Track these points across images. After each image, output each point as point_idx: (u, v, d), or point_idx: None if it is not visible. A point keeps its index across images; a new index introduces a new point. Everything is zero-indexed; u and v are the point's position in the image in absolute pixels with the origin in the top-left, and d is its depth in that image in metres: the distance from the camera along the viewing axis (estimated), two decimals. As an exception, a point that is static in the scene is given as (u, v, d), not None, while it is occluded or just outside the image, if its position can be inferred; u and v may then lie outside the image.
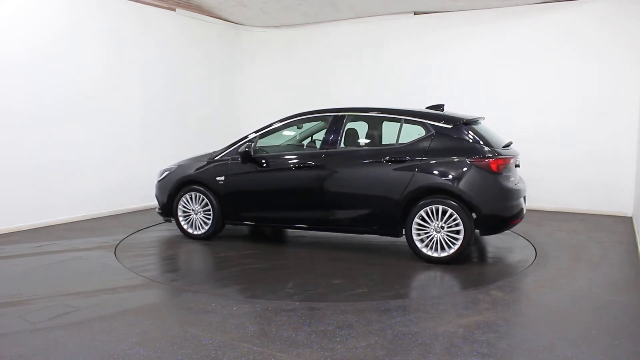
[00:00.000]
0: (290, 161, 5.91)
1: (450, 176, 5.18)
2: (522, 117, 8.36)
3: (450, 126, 5.37)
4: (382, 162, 5.44)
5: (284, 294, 4.39)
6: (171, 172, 6.49)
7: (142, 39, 8.28)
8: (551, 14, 8.16)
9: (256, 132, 6.19)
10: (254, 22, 10.02)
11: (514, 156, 5.52)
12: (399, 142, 5.53)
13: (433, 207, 5.20)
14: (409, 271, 5.12)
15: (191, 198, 6.31)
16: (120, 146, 7.98)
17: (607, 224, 7.27)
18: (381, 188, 5.41)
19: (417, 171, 5.28)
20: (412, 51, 9.19)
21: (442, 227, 5.18)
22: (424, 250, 5.27)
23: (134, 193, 8.15)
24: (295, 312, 3.95)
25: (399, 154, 5.40)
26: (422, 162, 5.28)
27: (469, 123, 5.48)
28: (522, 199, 5.51)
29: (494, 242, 6.22)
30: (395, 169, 5.37)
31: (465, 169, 5.15)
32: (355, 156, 5.68)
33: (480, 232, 5.35)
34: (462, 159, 5.18)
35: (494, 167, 5.13)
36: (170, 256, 5.85)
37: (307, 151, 6.22)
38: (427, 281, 4.96)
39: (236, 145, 6.18)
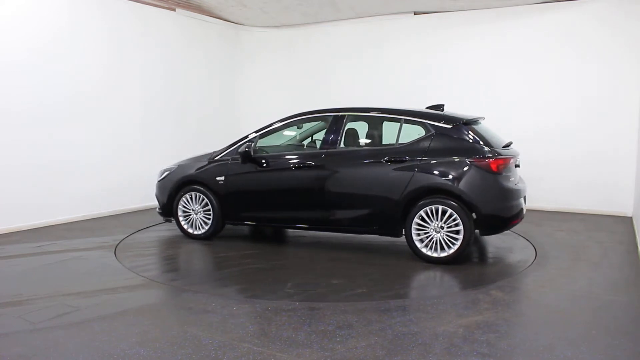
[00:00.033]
0: (290, 161, 5.91)
1: (450, 176, 5.18)
2: (522, 117, 8.36)
3: (450, 126, 5.37)
4: (381, 162, 5.44)
5: (283, 294, 4.39)
6: (171, 172, 6.49)
7: (142, 39, 8.28)
8: (551, 14, 8.16)
9: (256, 131, 6.19)
10: (254, 22, 10.02)
11: (514, 156, 5.52)
12: (399, 142, 5.53)
13: (433, 207, 5.20)
14: (409, 271, 5.12)
15: (191, 198, 6.31)
16: (120, 146, 7.98)
17: (607, 224, 7.27)
18: (381, 188, 5.41)
19: (416, 171, 5.28)
20: (412, 51, 9.19)
21: (442, 227, 5.18)
22: (424, 250, 5.27)
23: (134, 193, 8.15)
24: (295, 312, 3.95)
25: (399, 154, 5.40)
26: (421, 162, 5.28)
27: (469, 123, 5.48)
28: (522, 199, 5.51)
29: (494, 242, 6.22)
30: (395, 169, 5.37)
31: (465, 169, 5.15)
32: (355, 156, 5.68)
33: (480, 232, 5.35)
34: (462, 159, 5.18)
35: (493, 167, 5.13)
36: (170, 256, 5.85)
37: (306, 151, 6.22)
38: (427, 281, 4.96)
39: (236, 145, 6.18)
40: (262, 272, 5.09)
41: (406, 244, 5.42)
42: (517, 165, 5.66)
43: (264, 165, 5.97)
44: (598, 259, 5.54)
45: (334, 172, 5.62)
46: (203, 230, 6.29)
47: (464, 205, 5.13)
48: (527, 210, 5.94)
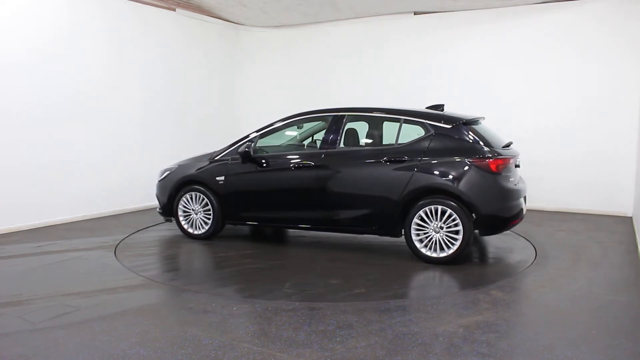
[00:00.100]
0: (289, 161, 5.91)
1: (450, 176, 5.18)
2: (522, 117, 8.36)
3: (449, 126, 5.37)
4: (381, 162, 5.44)
5: (282, 293, 4.39)
6: (172, 172, 6.50)
7: (142, 39, 8.28)
8: (551, 14, 8.16)
9: (257, 131, 6.20)
10: (254, 22, 10.02)
11: (514, 156, 5.52)
12: (399, 142, 5.53)
13: (432, 207, 5.20)
14: (409, 271, 5.12)
15: (191, 198, 6.31)
16: (120, 146, 7.98)
17: (607, 224, 7.27)
18: (380, 188, 5.41)
19: (416, 171, 5.28)
20: (412, 51, 9.19)
21: (441, 228, 5.18)
22: (423, 250, 5.27)
23: (134, 193, 8.15)
24: (295, 312, 3.95)
25: (398, 154, 5.40)
26: (421, 162, 5.28)
27: (469, 123, 5.48)
28: (522, 199, 5.50)
29: (494, 242, 6.22)
30: (394, 169, 5.36)
31: (464, 169, 5.15)
32: (355, 156, 5.68)
33: (479, 232, 5.35)
34: (461, 159, 5.18)
35: (493, 167, 5.13)
36: (170, 256, 5.85)
37: (306, 151, 6.22)
38: (426, 281, 4.96)
39: (236, 145, 6.19)
40: (261, 272, 5.09)
41: (406, 244, 5.42)
42: (517, 166, 5.65)
43: (264, 165, 5.97)
44: (598, 259, 5.54)
45: (334, 172, 5.62)
46: (203, 230, 6.29)
47: (464, 205, 5.13)
48: (527, 210, 5.94)
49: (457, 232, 5.13)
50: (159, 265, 5.45)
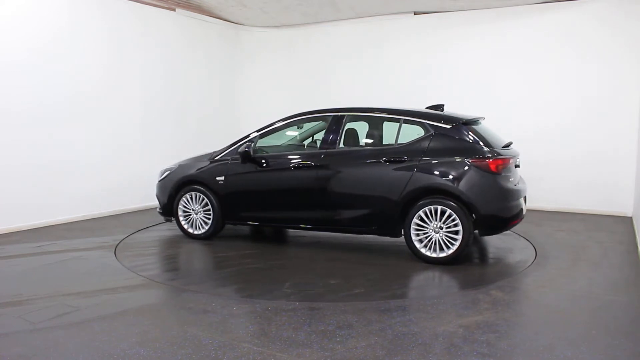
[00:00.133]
0: (289, 161, 5.91)
1: (449, 176, 5.17)
2: (522, 117, 8.36)
3: (449, 126, 5.37)
4: (381, 162, 5.44)
5: (281, 293, 4.39)
6: (172, 172, 6.50)
7: (142, 39, 8.28)
8: (551, 14, 8.16)
9: (257, 131, 6.20)
10: (254, 22, 10.02)
11: (514, 156, 5.51)
12: (398, 142, 5.53)
13: (432, 207, 5.20)
14: (409, 271, 5.12)
15: (191, 198, 6.31)
16: (120, 146, 7.98)
17: (607, 224, 7.27)
18: (380, 188, 5.41)
19: (415, 171, 5.27)
20: (412, 51, 9.19)
21: (441, 228, 5.18)
22: (423, 250, 5.27)
23: (134, 193, 8.15)
24: (295, 312, 3.95)
25: (398, 154, 5.40)
26: (420, 162, 5.28)
27: (468, 123, 5.48)
28: (522, 200, 5.50)
29: (494, 243, 6.22)
30: (394, 169, 5.36)
31: (464, 169, 5.15)
32: (354, 156, 5.68)
33: (479, 232, 5.35)
34: (461, 159, 5.18)
35: (492, 167, 5.13)
36: (170, 256, 5.85)
37: (306, 151, 6.23)
38: (426, 281, 4.96)
39: (236, 145, 6.19)
40: (261, 272, 5.09)
41: (405, 244, 5.42)
42: (517, 166, 5.65)
43: (264, 165, 5.97)
44: (598, 259, 5.54)
45: (333, 172, 5.62)
46: (203, 230, 6.29)
47: (463, 205, 5.12)
48: (527, 210, 5.94)
49: (456, 233, 5.12)
50: (159, 265, 5.45)
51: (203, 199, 6.23)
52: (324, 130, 5.94)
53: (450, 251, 5.15)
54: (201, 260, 5.77)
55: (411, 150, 5.37)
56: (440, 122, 5.41)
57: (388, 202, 5.36)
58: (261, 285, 4.65)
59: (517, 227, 6.23)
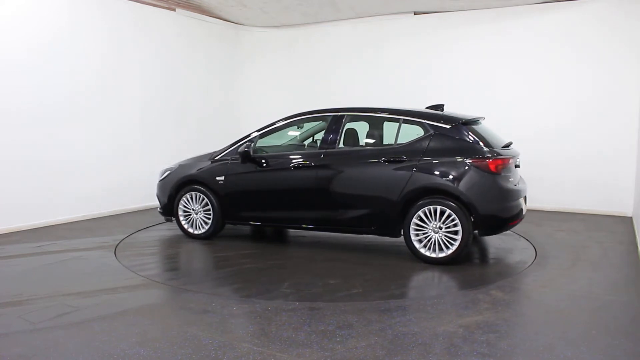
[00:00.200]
0: (289, 161, 5.91)
1: (449, 176, 5.17)
2: (522, 117, 8.36)
3: (449, 126, 5.37)
4: (380, 162, 5.44)
5: (281, 293, 4.39)
6: (172, 172, 6.50)
7: (142, 39, 8.28)
8: (551, 14, 8.16)
9: (257, 131, 6.20)
10: (254, 22, 10.02)
11: (514, 156, 5.51)
12: (398, 142, 5.53)
13: (431, 207, 5.20)
14: (408, 271, 5.12)
15: (192, 198, 6.31)
16: (120, 146, 7.98)
17: (607, 224, 7.27)
18: (379, 188, 5.40)
19: (415, 171, 5.27)
20: (412, 51, 9.19)
21: (440, 228, 5.18)
22: (422, 250, 5.27)
23: (134, 193, 8.15)
24: (295, 312, 3.96)
25: (397, 154, 5.40)
26: (420, 162, 5.28)
27: (468, 123, 5.48)
28: (521, 200, 5.50)
29: (494, 243, 6.22)
30: (393, 169, 5.36)
31: (463, 169, 5.15)
32: (354, 156, 5.68)
33: (479, 232, 5.34)
34: (461, 159, 5.18)
35: (492, 167, 5.13)
36: (170, 256, 5.85)
37: (305, 151, 6.23)
38: (426, 281, 4.96)
39: (237, 145, 6.19)
40: (261, 272, 5.08)
41: (405, 244, 5.41)
42: (517, 166, 5.65)
43: (264, 165, 5.97)
44: (598, 259, 5.54)
45: (333, 172, 5.62)
46: (203, 230, 6.29)
47: (463, 205, 5.12)
48: (527, 210, 5.94)
49: (456, 233, 5.12)
50: (159, 265, 5.45)
51: (203, 199, 6.24)
52: (324, 130, 5.94)
53: (450, 251, 5.15)
54: (201, 260, 5.77)
55: (411, 150, 5.37)
56: (439, 122, 5.41)
57: (387, 202, 5.36)
58: (261, 285, 4.65)
59: (517, 227, 6.23)
